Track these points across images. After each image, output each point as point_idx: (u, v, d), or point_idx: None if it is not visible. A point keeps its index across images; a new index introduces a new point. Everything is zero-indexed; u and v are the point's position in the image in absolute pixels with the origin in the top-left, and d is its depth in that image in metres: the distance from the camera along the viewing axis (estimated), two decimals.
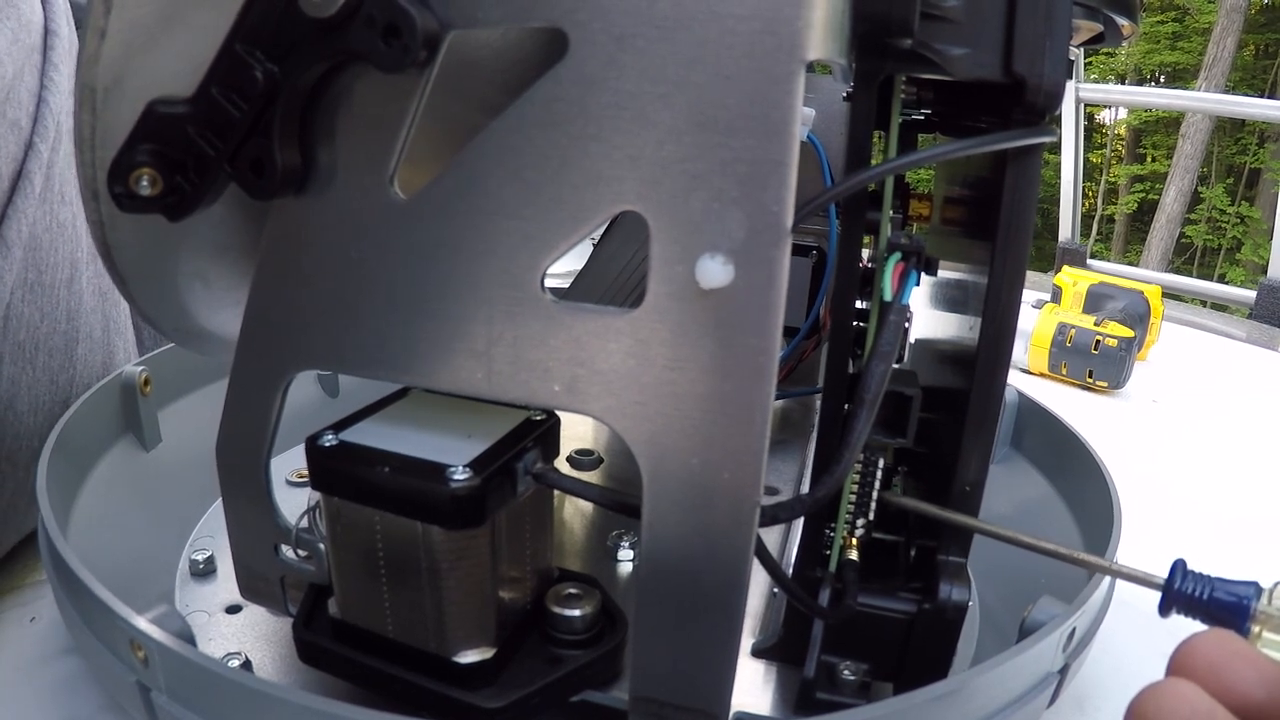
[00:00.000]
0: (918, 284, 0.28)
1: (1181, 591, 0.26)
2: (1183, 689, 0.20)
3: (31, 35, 0.42)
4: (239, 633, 0.36)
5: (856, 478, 0.32)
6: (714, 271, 0.21)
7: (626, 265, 0.51)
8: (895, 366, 0.28)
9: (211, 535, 0.43)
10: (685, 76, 0.21)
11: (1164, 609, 0.27)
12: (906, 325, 0.33)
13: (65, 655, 0.36)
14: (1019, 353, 0.89)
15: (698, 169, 0.21)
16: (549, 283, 0.24)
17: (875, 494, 0.32)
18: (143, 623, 0.28)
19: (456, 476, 0.26)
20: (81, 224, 0.47)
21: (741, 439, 0.23)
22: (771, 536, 0.44)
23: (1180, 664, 0.21)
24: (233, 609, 0.38)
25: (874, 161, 0.27)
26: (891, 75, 0.28)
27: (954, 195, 0.37)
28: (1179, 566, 0.26)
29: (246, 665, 0.34)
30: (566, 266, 0.54)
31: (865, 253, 0.30)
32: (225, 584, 0.39)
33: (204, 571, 0.40)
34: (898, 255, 0.28)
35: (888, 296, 0.27)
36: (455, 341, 0.25)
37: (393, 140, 0.24)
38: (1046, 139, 0.25)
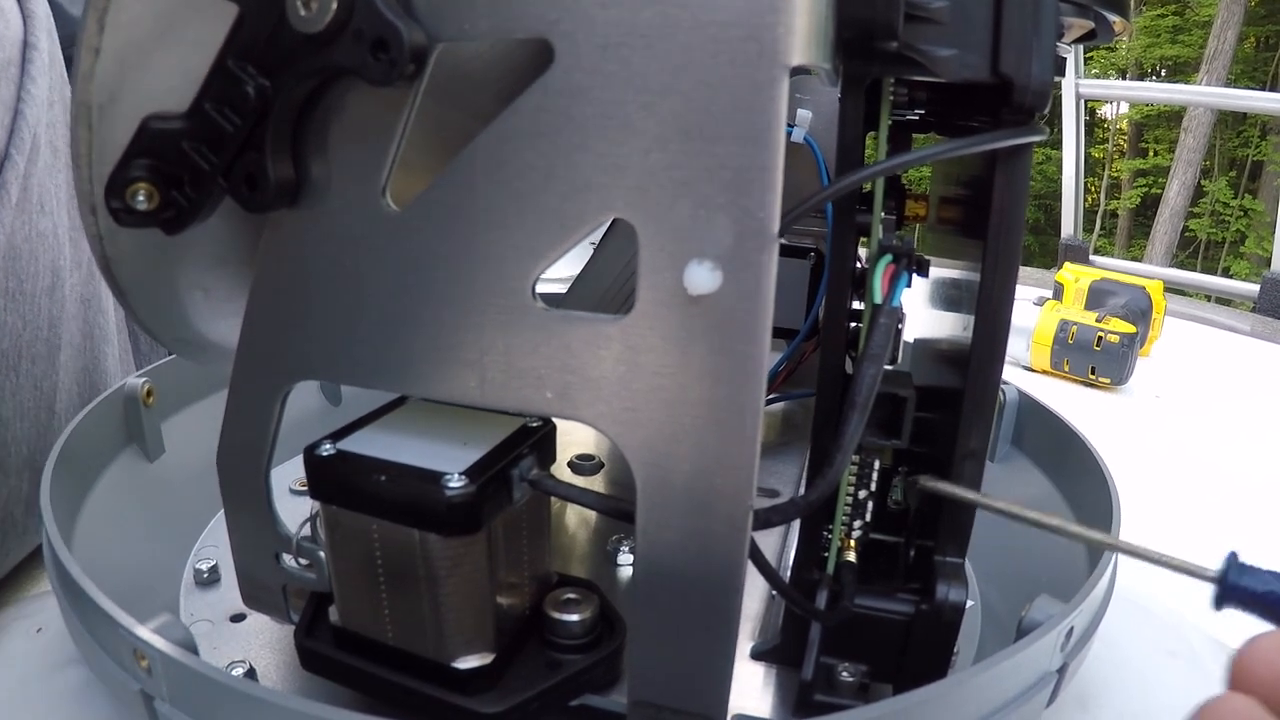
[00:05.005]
0: (908, 286, 0.28)
1: (1237, 585, 0.25)
2: (1239, 706, 0.19)
3: (6, 49, 0.43)
4: (242, 641, 0.36)
5: (852, 480, 0.32)
6: (702, 278, 0.21)
7: (621, 271, 0.51)
8: (889, 368, 0.28)
9: (215, 545, 0.44)
10: (669, 85, 0.21)
11: (1219, 603, 0.25)
12: (899, 327, 0.33)
13: (70, 665, 0.36)
14: (1021, 350, 0.89)
15: (684, 176, 0.21)
16: (548, 287, 0.24)
17: (869, 495, 0.32)
18: (146, 632, 0.28)
19: (452, 484, 0.26)
20: (63, 233, 0.47)
21: (733, 444, 0.23)
22: (771, 539, 0.44)
23: (1240, 673, 0.19)
24: (236, 617, 0.38)
25: (868, 162, 0.27)
26: (879, 78, 0.29)
27: (949, 195, 0.37)
28: (1232, 559, 0.25)
29: (250, 673, 0.34)
30: (567, 271, 0.54)
31: (863, 253, 0.30)
32: (229, 593, 0.39)
33: (208, 581, 0.40)
34: (888, 257, 0.28)
35: (878, 299, 0.27)
36: (448, 350, 0.25)
37: (384, 152, 0.25)
38: (1035, 138, 0.26)
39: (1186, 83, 6.03)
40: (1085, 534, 0.28)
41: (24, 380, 0.45)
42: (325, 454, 0.28)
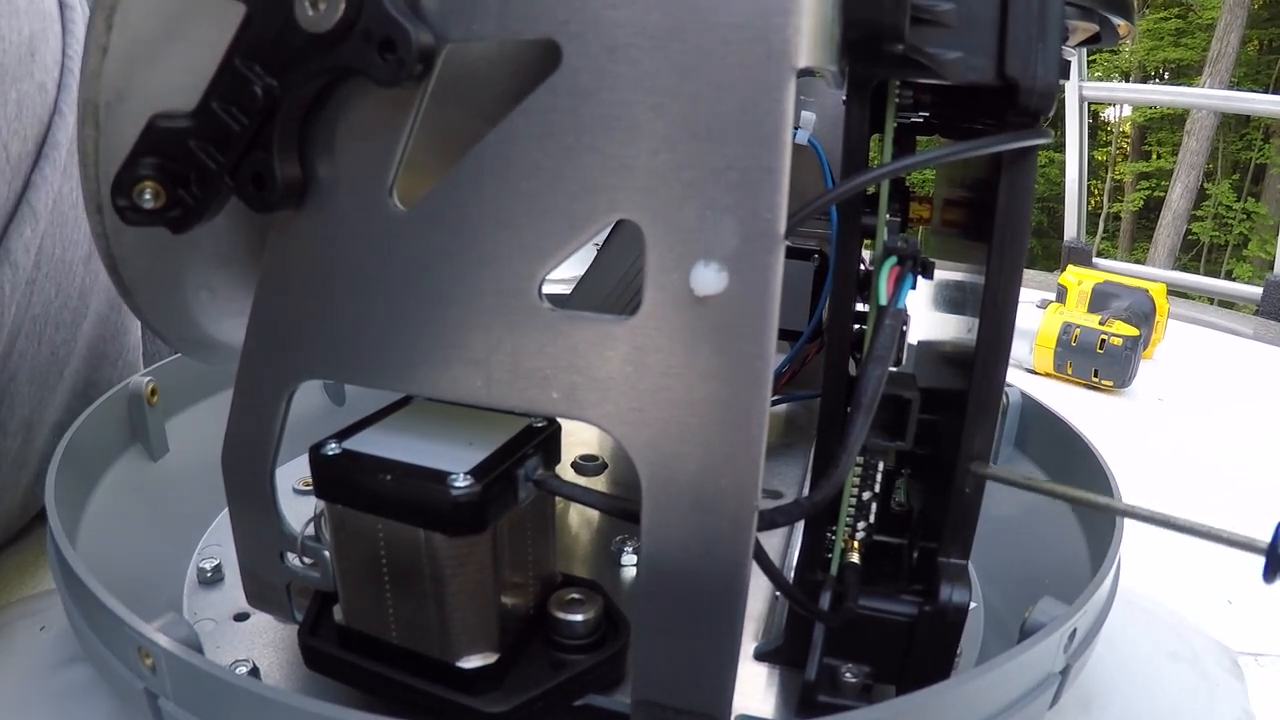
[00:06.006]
0: (913, 288, 0.28)
1: None
2: None
3: (46, 1, 0.43)
4: (246, 640, 0.36)
5: (857, 481, 0.32)
6: (708, 279, 0.21)
7: (627, 272, 0.51)
8: (893, 370, 0.28)
9: (219, 544, 0.44)
10: (678, 86, 0.21)
11: (1270, 574, 0.25)
12: (904, 329, 0.33)
13: (74, 663, 0.36)
14: (1024, 353, 0.89)
15: (691, 177, 0.21)
16: (553, 288, 0.24)
17: (873, 496, 0.32)
18: (150, 630, 0.28)
19: (458, 484, 0.26)
20: None
21: (738, 444, 0.23)
22: (774, 540, 0.44)
23: None
24: (240, 616, 0.38)
25: (872, 164, 0.27)
26: (884, 80, 0.29)
27: (953, 197, 0.37)
28: None
29: (254, 672, 0.34)
30: (571, 271, 0.54)
31: (868, 255, 0.30)
32: (233, 592, 0.39)
33: (212, 580, 0.41)
34: (893, 259, 0.28)
35: (883, 301, 0.27)
36: (455, 350, 0.25)
37: (391, 153, 0.25)
38: (1040, 141, 0.26)
39: (1189, 86, 6.03)
40: (1142, 512, 0.27)
41: (45, 346, 0.44)
42: (331, 453, 0.28)
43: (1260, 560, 0.25)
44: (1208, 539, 0.26)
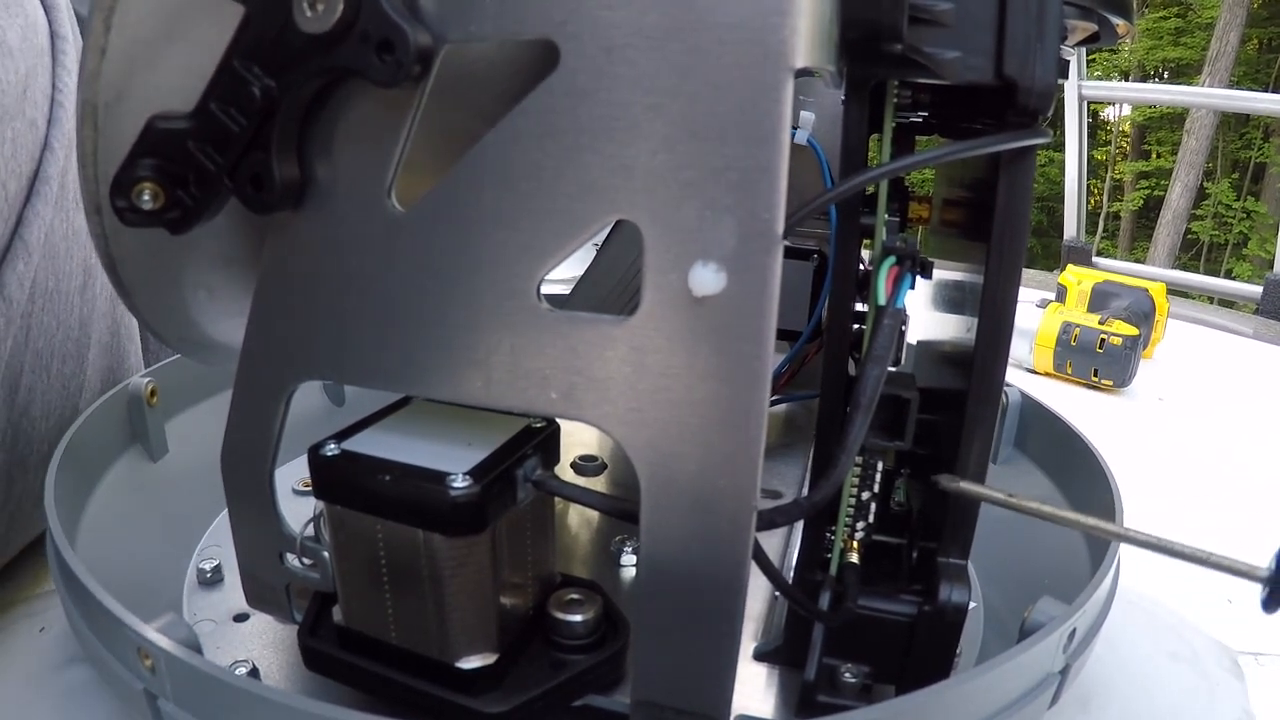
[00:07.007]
0: (912, 287, 0.28)
1: None
2: None
3: (39, 36, 0.42)
4: (246, 641, 0.36)
5: (856, 481, 0.32)
6: (706, 279, 0.21)
7: (626, 272, 0.51)
8: (892, 369, 0.28)
9: (219, 544, 0.44)
10: (676, 86, 0.21)
11: (1270, 605, 0.24)
12: (903, 328, 0.33)
13: (74, 664, 0.36)
14: (1024, 352, 0.89)
15: (689, 177, 0.21)
16: (553, 288, 0.24)
17: (872, 496, 0.32)
18: (150, 631, 0.28)
19: (457, 484, 0.26)
20: None
21: (737, 444, 0.23)
22: (774, 540, 0.44)
23: None
24: (240, 617, 0.38)
25: (871, 164, 0.27)
26: (883, 80, 0.29)
27: (952, 197, 0.37)
28: None
29: (253, 673, 0.34)
30: (571, 271, 0.54)
31: (867, 255, 0.30)
32: (232, 592, 0.39)
33: (211, 580, 0.41)
34: (892, 259, 0.28)
35: (881, 301, 0.27)
36: (454, 351, 0.25)
37: (389, 153, 0.25)
38: (1039, 141, 0.26)
39: (1189, 85, 6.03)
40: (1139, 536, 0.27)
41: (54, 380, 0.45)
42: (330, 454, 0.28)
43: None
44: (1206, 565, 0.26)
